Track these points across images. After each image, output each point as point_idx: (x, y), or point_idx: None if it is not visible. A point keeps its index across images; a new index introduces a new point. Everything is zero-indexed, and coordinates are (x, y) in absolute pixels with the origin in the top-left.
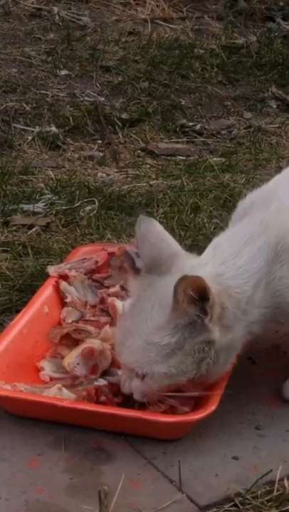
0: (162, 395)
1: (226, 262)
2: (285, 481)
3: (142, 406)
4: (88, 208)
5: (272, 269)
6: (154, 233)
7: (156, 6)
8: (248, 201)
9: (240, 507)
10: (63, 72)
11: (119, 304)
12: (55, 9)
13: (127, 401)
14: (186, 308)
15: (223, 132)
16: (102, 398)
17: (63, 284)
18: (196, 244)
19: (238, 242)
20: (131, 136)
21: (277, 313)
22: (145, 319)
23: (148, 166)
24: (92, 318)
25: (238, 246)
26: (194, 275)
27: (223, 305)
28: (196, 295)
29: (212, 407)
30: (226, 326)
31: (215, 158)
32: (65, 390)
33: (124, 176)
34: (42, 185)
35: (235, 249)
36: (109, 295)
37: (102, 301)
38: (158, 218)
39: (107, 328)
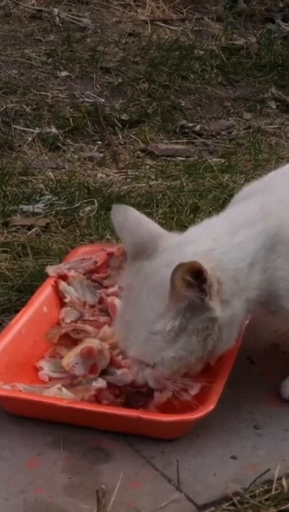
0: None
1: (220, 238)
2: (284, 480)
3: (143, 406)
4: (88, 208)
5: (269, 257)
6: (131, 219)
7: (156, 7)
8: (242, 194)
9: (239, 506)
10: (63, 74)
11: (118, 303)
12: (56, 11)
13: (131, 401)
14: (184, 292)
15: (222, 133)
16: (105, 402)
17: (62, 284)
18: None
19: (235, 223)
20: (131, 137)
21: (270, 300)
22: (144, 309)
23: (148, 166)
24: (91, 318)
25: (235, 226)
26: (191, 261)
27: (219, 279)
28: (193, 278)
29: (211, 407)
30: (224, 300)
31: (214, 159)
32: (64, 390)
33: (124, 176)
34: (42, 186)
35: (230, 229)
36: (108, 295)
37: (101, 301)
38: (157, 219)
39: (105, 327)
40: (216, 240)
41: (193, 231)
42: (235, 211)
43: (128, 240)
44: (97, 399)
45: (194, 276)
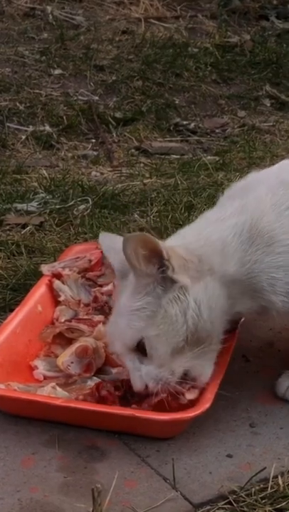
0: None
1: (188, 235)
2: (279, 478)
3: (139, 401)
4: (82, 206)
5: (248, 251)
6: (118, 242)
7: (150, 5)
8: (225, 197)
9: (234, 505)
10: (57, 72)
11: None
12: (49, 8)
13: (128, 395)
14: (145, 269)
15: (217, 131)
16: (104, 393)
17: (57, 283)
18: None
19: (207, 222)
20: (125, 135)
21: (257, 295)
22: (120, 302)
23: (142, 164)
24: (85, 317)
25: (205, 224)
26: (137, 233)
27: (185, 256)
28: (149, 253)
29: (206, 405)
30: (193, 276)
31: (209, 157)
32: (59, 389)
33: (118, 174)
34: (36, 184)
35: (200, 226)
36: (102, 293)
37: (96, 299)
38: (152, 217)
39: (100, 326)
40: (184, 237)
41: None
42: (209, 213)
43: (116, 261)
44: (97, 389)
45: (152, 253)
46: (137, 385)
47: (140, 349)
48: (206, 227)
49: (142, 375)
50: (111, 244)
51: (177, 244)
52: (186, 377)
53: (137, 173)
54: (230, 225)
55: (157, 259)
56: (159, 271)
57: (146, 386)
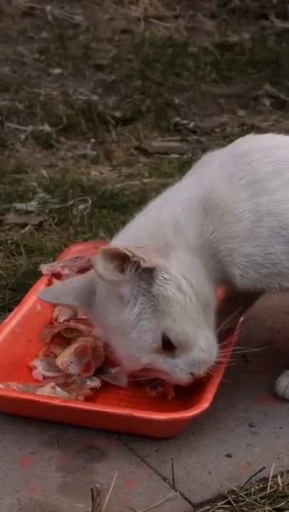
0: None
1: (134, 221)
2: (279, 478)
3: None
4: (81, 206)
5: (203, 221)
6: (58, 287)
7: (150, 4)
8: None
9: (234, 504)
10: (56, 71)
11: None
12: (48, 8)
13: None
14: (122, 277)
15: (216, 130)
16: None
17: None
18: None
19: (154, 204)
20: (124, 135)
21: (224, 268)
22: (113, 324)
23: (141, 164)
24: (84, 317)
25: (153, 206)
26: (97, 254)
27: (139, 245)
28: (116, 261)
29: (205, 405)
30: (160, 256)
31: None
32: (58, 389)
33: (118, 174)
34: (35, 184)
35: (148, 210)
36: None
37: None
38: None
39: None
40: (130, 229)
41: None
42: (157, 198)
43: (71, 298)
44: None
45: (119, 260)
46: (184, 379)
47: (167, 345)
48: (152, 210)
49: (182, 368)
50: (54, 294)
51: (124, 238)
52: None
53: (136, 172)
54: (180, 200)
55: (125, 262)
56: (134, 271)
57: (192, 374)
